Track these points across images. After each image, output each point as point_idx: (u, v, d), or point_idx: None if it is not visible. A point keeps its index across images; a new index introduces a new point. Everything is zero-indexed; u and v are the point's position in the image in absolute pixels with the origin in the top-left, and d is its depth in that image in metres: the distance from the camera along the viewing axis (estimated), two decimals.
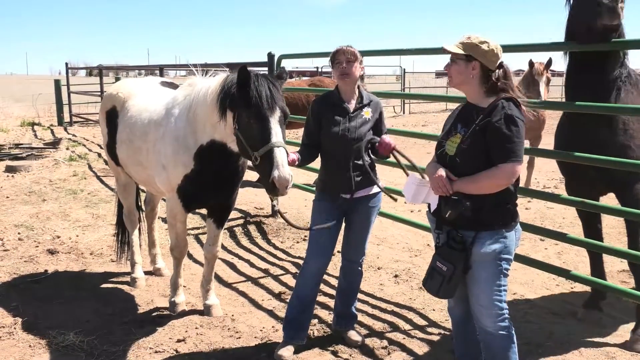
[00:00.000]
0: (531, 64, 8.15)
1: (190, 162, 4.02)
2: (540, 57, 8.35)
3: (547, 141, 11.89)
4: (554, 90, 32.61)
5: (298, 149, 3.90)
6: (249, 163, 4.29)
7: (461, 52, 2.95)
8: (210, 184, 4.09)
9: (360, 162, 3.69)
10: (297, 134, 14.17)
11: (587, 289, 4.67)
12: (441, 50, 3.11)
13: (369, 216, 3.84)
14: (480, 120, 2.90)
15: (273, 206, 3.86)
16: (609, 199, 6.82)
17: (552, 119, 17.99)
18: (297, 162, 3.67)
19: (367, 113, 3.74)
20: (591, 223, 4.39)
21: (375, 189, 3.80)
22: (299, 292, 3.88)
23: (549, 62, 8.17)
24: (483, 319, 3.03)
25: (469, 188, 2.89)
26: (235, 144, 3.77)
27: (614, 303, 4.67)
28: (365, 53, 3.85)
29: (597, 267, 4.44)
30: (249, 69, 3.57)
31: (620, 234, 6.44)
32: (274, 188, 3.30)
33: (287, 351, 3.79)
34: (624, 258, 5.15)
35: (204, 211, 4.72)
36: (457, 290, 3.06)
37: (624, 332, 4.18)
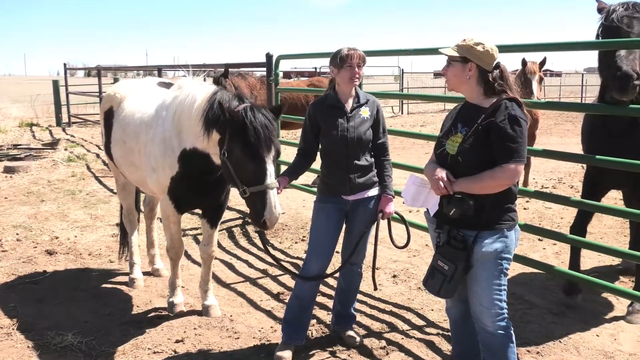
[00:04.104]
0: (524, 62, 8.25)
1: (175, 164, 4.04)
2: (537, 57, 8.42)
3: (543, 141, 11.99)
4: (553, 90, 32.71)
5: (295, 150, 3.91)
6: None
7: (456, 54, 2.97)
8: (196, 186, 4.10)
9: (361, 162, 3.70)
10: (296, 135, 14.16)
11: (584, 290, 4.70)
12: (439, 51, 3.12)
13: (370, 218, 3.81)
14: (482, 120, 2.91)
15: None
16: (606, 199, 6.84)
17: (549, 118, 18.10)
18: (286, 185, 3.72)
19: (365, 112, 3.72)
20: (586, 220, 4.62)
21: (375, 191, 3.79)
22: (298, 292, 3.88)
23: (543, 61, 8.27)
24: (483, 318, 3.04)
25: (471, 187, 2.89)
26: (217, 157, 3.81)
27: (613, 303, 4.68)
28: (364, 53, 3.85)
29: (575, 261, 4.69)
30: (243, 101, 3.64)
31: (618, 234, 6.46)
32: (264, 226, 3.48)
33: (286, 352, 3.79)
34: (623, 258, 5.19)
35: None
36: (456, 289, 3.06)
37: (622, 331, 4.20)
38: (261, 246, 6.37)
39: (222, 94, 3.72)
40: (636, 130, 4.13)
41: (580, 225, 4.61)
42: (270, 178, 3.47)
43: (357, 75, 3.63)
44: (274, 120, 3.60)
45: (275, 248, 6.31)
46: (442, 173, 2.96)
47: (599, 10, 4.14)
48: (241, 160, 3.49)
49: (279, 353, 3.78)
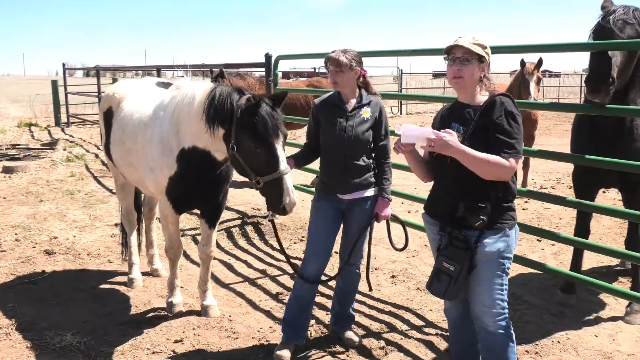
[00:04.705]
0: (522, 63, 8.27)
1: (173, 164, 4.04)
2: (536, 58, 8.44)
3: (541, 141, 12.00)
4: (552, 91, 32.72)
5: (296, 150, 3.92)
6: None
7: (480, 51, 2.92)
8: (196, 186, 4.10)
9: (359, 162, 3.69)
10: (295, 135, 14.17)
11: (582, 289, 4.71)
12: (445, 51, 3.05)
13: (366, 219, 3.82)
14: (479, 118, 2.92)
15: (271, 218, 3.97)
16: (605, 199, 6.84)
17: (547, 119, 18.11)
18: (292, 167, 3.73)
19: (365, 112, 3.72)
20: (587, 220, 4.67)
21: (372, 192, 3.79)
22: (297, 293, 3.89)
23: (539, 62, 8.29)
24: (485, 318, 3.04)
25: (473, 159, 2.82)
26: (219, 154, 3.87)
27: (612, 304, 4.69)
28: (363, 54, 3.85)
29: (577, 262, 4.74)
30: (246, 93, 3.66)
31: (617, 234, 6.47)
32: (284, 212, 3.51)
33: (285, 351, 3.79)
34: (622, 258, 5.19)
35: None
36: (461, 291, 3.06)
37: (621, 331, 4.21)
38: (260, 246, 6.40)
39: (221, 89, 3.74)
40: (622, 130, 4.19)
41: (582, 227, 4.63)
42: (283, 164, 3.49)
43: (334, 81, 3.66)
44: (278, 107, 3.62)
45: (274, 248, 6.32)
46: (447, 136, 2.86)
47: (602, 8, 4.16)
48: (251, 151, 3.51)
49: (278, 352, 3.78)
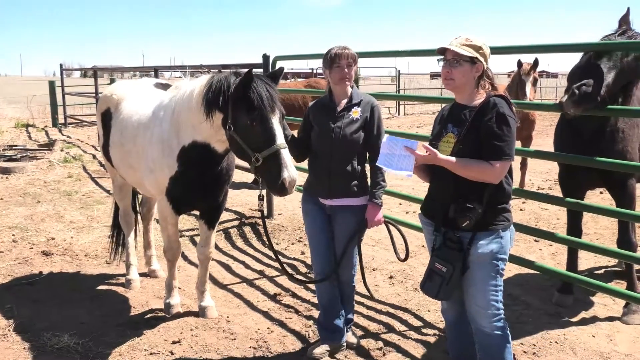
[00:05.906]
0: (519, 64, 8.28)
1: (174, 163, 4.03)
2: (532, 59, 8.45)
3: (539, 142, 12.00)
4: (550, 91, 32.79)
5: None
6: (237, 162, 4.33)
7: (470, 53, 2.93)
8: (196, 185, 4.09)
9: (345, 167, 3.59)
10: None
11: (579, 290, 4.72)
12: (438, 52, 3.06)
13: (351, 230, 3.68)
14: (473, 119, 2.92)
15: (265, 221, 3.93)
16: (602, 200, 6.85)
17: (545, 119, 18.15)
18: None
19: (355, 113, 3.60)
20: (577, 220, 4.72)
21: (358, 202, 3.65)
22: (319, 297, 3.92)
23: (535, 63, 8.30)
24: (480, 319, 3.04)
25: (456, 168, 2.89)
26: (220, 144, 3.85)
27: (609, 304, 4.70)
28: (361, 55, 3.85)
29: (573, 262, 4.76)
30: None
31: (614, 234, 6.47)
32: (283, 188, 3.38)
33: (318, 349, 3.82)
34: (614, 257, 5.21)
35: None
36: (454, 291, 3.07)
37: (618, 331, 4.21)
38: (258, 247, 6.40)
39: (219, 75, 3.74)
40: (604, 133, 4.22)
41: (574, 226, 4.67)
42: (280, 138, 3.44)
43: (347, 76, 3.57)
44: (273, 84, 3.61)
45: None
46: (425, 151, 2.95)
47: (620, 23, 4.14)
48: (248, 126, 3.46)
49: (312, 350, 3.82)
